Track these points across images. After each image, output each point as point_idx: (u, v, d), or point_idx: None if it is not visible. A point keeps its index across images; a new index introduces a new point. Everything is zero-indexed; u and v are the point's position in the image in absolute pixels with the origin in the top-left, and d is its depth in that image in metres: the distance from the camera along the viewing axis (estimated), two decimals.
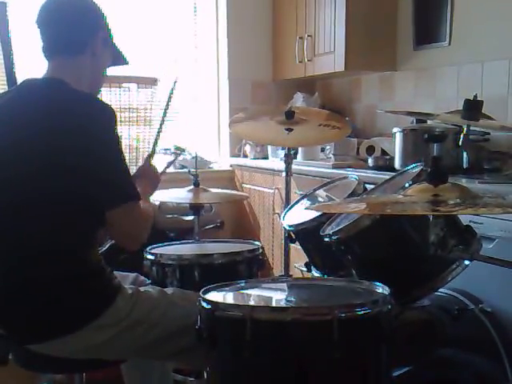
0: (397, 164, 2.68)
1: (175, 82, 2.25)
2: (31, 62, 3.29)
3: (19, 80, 2.76)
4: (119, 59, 1.93)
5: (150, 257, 2.12)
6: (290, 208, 2.23)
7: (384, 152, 3.09)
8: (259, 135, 2.71)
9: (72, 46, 1.76)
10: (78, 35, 1.77)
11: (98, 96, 1.93)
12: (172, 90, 2.23)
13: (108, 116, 1.67)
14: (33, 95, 1.73)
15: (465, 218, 1.72)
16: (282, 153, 2.90)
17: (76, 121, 1.62)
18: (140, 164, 2.19)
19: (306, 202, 2.22)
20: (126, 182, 1.70)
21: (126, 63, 1.96)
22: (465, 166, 2.42)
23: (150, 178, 2.02)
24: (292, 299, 1.64)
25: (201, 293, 1.50)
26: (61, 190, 1.63)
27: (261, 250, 2.18)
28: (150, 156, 2.11)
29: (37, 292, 1.65)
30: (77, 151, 1.61)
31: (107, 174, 1.66)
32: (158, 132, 2.22)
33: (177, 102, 4.13)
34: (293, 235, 2.07)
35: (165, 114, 2.22)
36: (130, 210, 1.68)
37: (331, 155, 3.22)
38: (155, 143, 2.20)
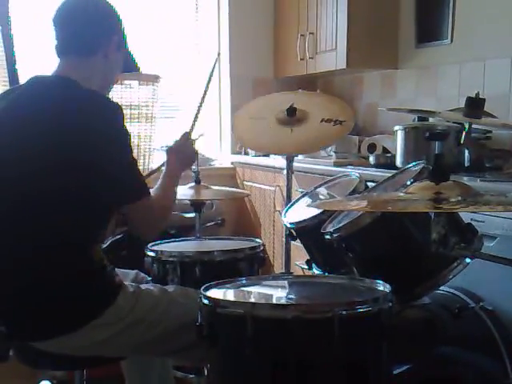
0: (398, 162, 2.67)
1: (217, 58, 2.31)
2: (33, 59, 3.30)
3: (21, 77, 2.76)
4: (131, 66, 1.93)
5: (151, 254, 2.12)
6: (291, 205, 2.23)
7: (385, 150, 3.09)
8: (260, 139, 2.67)
9: (85, 47, 1.78)
10: (92, 37, 1.78)
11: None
12: (214, 64, 2.29)
13: (112, 111, 1.68)
14: (40, 93, 1.73)
15: (466, 216, 1.72)
16: None
17: (80, 118, 1.63)
18: (141, 161, 2.19)
19: (307, 200, 2.22)
20: (135, 179, 1.73)
21: (138, 71, 1.97)
22: (466, 164, 2.41)
23: (186, 152, 2.07)
24: (293, 297, 1.65)
25: (202, 290, 1.51)
26: (68, 187, 1.63)
27: (262, 248, 2.18)
28: (189, 131, 2.15)
29: (40, 290, 1.65)
30: (81, 148, 1.62)
31: (115, 171, 1.67)
32: (199, 106, 2.29)
33: (178, 99, 4.15)
34: (294, 233, 2.07)
35: (206, 89, 2.30)
36: (141, 207, 1.72)
37: (332, 153, 3.22)
38: (195, 118, 2.25)
